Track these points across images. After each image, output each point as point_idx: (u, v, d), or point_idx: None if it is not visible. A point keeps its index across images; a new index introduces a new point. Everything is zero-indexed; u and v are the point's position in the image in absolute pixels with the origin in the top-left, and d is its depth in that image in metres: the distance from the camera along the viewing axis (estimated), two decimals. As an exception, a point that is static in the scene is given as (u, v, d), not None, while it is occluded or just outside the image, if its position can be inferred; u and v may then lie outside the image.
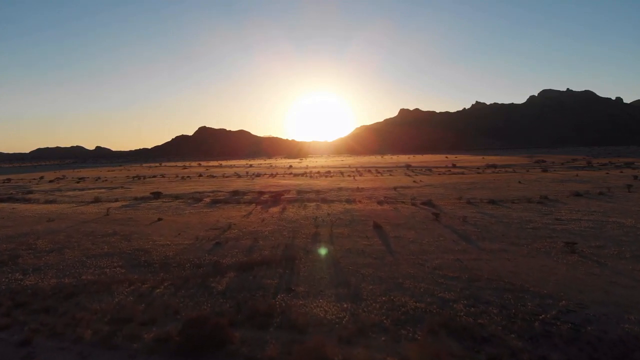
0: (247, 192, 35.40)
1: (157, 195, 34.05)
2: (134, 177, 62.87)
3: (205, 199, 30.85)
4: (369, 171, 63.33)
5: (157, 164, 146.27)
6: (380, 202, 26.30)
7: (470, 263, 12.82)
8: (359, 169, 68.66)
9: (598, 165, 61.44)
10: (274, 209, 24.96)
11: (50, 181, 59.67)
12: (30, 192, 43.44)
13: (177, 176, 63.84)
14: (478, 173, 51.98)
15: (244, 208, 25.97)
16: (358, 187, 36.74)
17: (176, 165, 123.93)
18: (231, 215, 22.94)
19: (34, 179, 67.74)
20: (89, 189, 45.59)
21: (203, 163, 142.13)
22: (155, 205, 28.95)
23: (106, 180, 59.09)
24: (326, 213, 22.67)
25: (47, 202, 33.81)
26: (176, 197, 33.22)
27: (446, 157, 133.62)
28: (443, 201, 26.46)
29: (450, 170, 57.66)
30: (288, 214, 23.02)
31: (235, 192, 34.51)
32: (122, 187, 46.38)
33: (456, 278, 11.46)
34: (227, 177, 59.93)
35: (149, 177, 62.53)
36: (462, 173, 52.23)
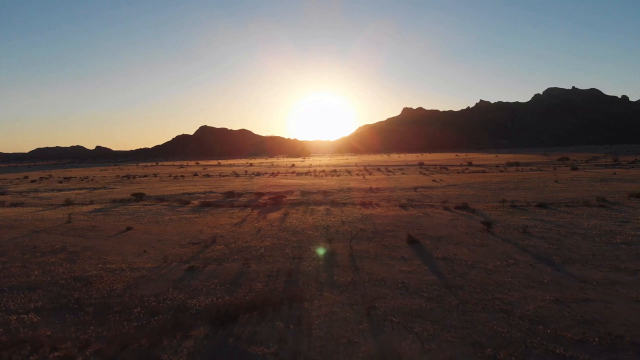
0: (243, 194, 30.66)
1: (139, 197, 29.35)
2: (123, 177, 58.22)
3: (193, 202, 26.12)
4: (378, 170, 58.47)
5: (154, 164, 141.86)
6: (403, 206, 21.51)
7: (584, 308, 8.04)
8: (367, 168, 63.82)
9: (627, 164, 56.37)
10: (274, 215, 20.20)
11: (33, 181, 55.15)
12: (3, 193, 38.85)
13: (170, 175, 59.17)
14: (501, 171, 47.02)
15: (237, 213, 21.21)
16: (371, 188, 31.93)
17: (173, 165, 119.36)
18: (219, 223, 18.18)
19: (18, 178, 63.27)
20: (70, 189, 40.96)
21: (202, 162, 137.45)
22: (132, 209, 24.25)
23: (93, 180, 54.45)
24: (339, 220, 17.89)
25: (13, 204, 29.20)
26: (160, 199, 28.51)
27: (456, 155, 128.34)
28: (481, 205, 21.65)
29: (467, 169, 52.72)
30: (291, 221, 18.25)
31: (230, 194, 29.80)
32: (105, 187, 41.70)
33: (581, 343, 6.69)
34: (224, 176, 55.20)
35: (140, 177, 57.87)
36: (483, 172, 47.28)
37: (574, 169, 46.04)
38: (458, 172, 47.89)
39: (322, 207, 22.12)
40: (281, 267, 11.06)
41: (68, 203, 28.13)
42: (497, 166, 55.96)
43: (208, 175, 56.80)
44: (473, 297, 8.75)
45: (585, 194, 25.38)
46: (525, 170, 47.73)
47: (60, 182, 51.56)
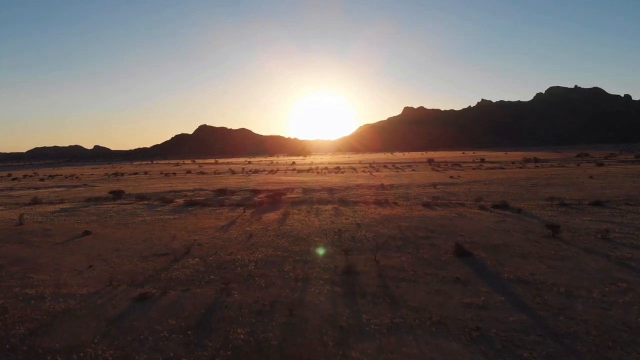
0: (237, 191, 26.92)
1: (117, 195, 25.64)
2: (111, 175, 54.50)
3: (176, 200, 22.36)
4: (385, 167, 54.73)
5: (148, 162, 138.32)
6: (428, 205, 17.76)
7: None
8: (372, 165, 60.08)
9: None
10: (271, 215, 16.44)
11: (15, 179, 51.46)
12: (-27, 191, 35.06)
13: (162, 173, 55.44)
14: (520, 168, 43.27)
15: (225, 214, 17.46)
16: (382, 184, 28.19)
17: (169, 163, 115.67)
18: (201, 227, 14.43)
19: (0, 176, 59.52)
20: (48, 187, 37.22)
21: (199, 161, 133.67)
22: (104, 208, 20.52)
23: (77, 178, 50.70)
24: (353, 222, 14.14)
25: (-27, 204, 25.43)
26: (141, 197, 24.76)
27: (463, 153, 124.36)
28: (521, 203, 17.90)
29: (482, 166, 48.98)
30: (292, 223, 14.49)
31: (221, 191, 26.03)
32: (85, 185, 37.96)
33: None
34: (219, 173, 51.45)
35: (130, 174, 54.16)
36: (501, 168, 43.53)
37: (600, 165, 42.33)
38: (473, 169, 44.12)
39: (329, 207, 18.36)
40: (278, 295, 7.31)
41: (35, 202, 24.38)
42: (513, 163, 52.17)
43: (202, 173, 53.09)
44: (610, 357, 5.00)
45: (635, 190, 21.70)
46: (546, 167, 43.99)
47: (42, 180, 47.84)
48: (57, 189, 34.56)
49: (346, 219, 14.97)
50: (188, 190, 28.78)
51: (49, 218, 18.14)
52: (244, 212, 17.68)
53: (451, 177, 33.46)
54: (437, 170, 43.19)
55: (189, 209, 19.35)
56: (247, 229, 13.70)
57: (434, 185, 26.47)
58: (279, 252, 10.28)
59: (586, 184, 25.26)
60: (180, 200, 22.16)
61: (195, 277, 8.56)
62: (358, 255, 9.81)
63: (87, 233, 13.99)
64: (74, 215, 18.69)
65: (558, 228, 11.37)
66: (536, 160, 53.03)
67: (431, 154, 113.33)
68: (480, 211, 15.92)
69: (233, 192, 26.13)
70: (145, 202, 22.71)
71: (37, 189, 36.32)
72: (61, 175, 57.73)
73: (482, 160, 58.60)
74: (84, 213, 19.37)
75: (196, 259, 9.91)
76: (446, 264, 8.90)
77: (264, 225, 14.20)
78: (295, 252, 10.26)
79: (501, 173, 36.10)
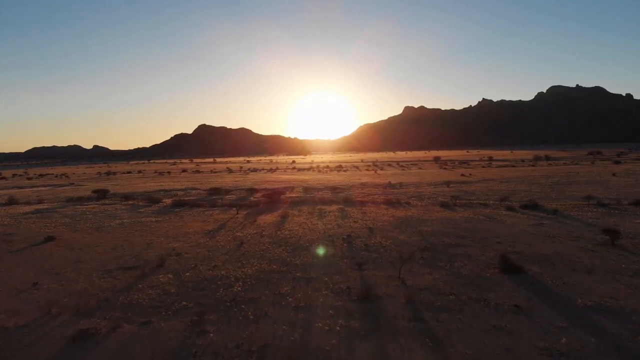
0: (232, 190, 24.83)
1: (101, 194, 23.57)
2: (103, 174, 52.42)
3: (164, 201, 20.27)
4: (389, 165, 52.64)
5: (145, 161, 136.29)
6: (446, 206, 15.66)
7: None
8: (376, 164, 57.97)
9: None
10: (267, 218, 14.34)
11: (2, 178, 49.39)
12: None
13: (156, 172, 53.34)
14: (532, 166, 41.16)
15: (216, 215, 15.35)
16: (389, 183, 26.09)
17: (166, 162, 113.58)
18: (185, 231, 12.32)
19: (-10, 176, 57.45)
20: (33, 186, 35.17)
21: (197, 160, 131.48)
22: (82, 209, 18.44)
23: (68, 177, 48.60)
24: (364, 227, 12.01)
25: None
26: (126, 197, 22.68)
27: (467, 151, 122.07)
28: (551, 203, 15.80)
29: (491, 164, 46.86)
30: (291, 227, 12.38)
31: (215, 190, 23.93)
32: (73, 184, 35.86)
33: None
34: (215, 172, 49.36)
35: (123, 173, 52.07)
36: (512, 166, 41.43)
37: (617, 162, 40.23)
38: (483, 167, 42.01)
39: (333, 207, 16.26)
40: (270, 334, 5.20)
41: (11, 202, 22.31)
42: (523, 161, 50.07)
43: (198, 172, 50.99)
44: None
45: (670, 189, 19.58)
46: (559, 165, 41.87)
47: (30, 179, 45.75)
48: (42, 189, 32.49)
49: (355, 222, 12.86)
50: (179, 190, 26.68)
51: (18, 220, 16.05)
52: (237, 213, 15.57)
53: (462, 175, 31.32)
54: (445, 169, 41.07)
55: (175, 210, 17.23)
56: (238, 234, 11.59)
57: (447, 183, 24.35)
58: (274, 266, 8.17)
59: (612, 182, 23.17)
60: (168, 201, 20.07)
61: (162, 302, 6.46)
62: (375, 270, 7.71)
63: (50, 239, 11.89)
64: (46, 217, 16.59)
65: (618, 234, 9.26)
66: (548, 158, 50.89)
67: (434, 153, 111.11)
68: (509, 212, 13.81)
69: (228, 192, 24.04)
70: (130, 202, 20.62)
71: (21, 188, 34.26)
72: (52, 174, 55.66)
73: (491, 159, 56.49)
74: (58, 215, 17.27)
75: (169, 275, 7.81)
76: (493, 284, 6.79)
77: (259, 230, 12.09)
78: (295, 266, 8.15)
79: (514, 171, 33.97)
